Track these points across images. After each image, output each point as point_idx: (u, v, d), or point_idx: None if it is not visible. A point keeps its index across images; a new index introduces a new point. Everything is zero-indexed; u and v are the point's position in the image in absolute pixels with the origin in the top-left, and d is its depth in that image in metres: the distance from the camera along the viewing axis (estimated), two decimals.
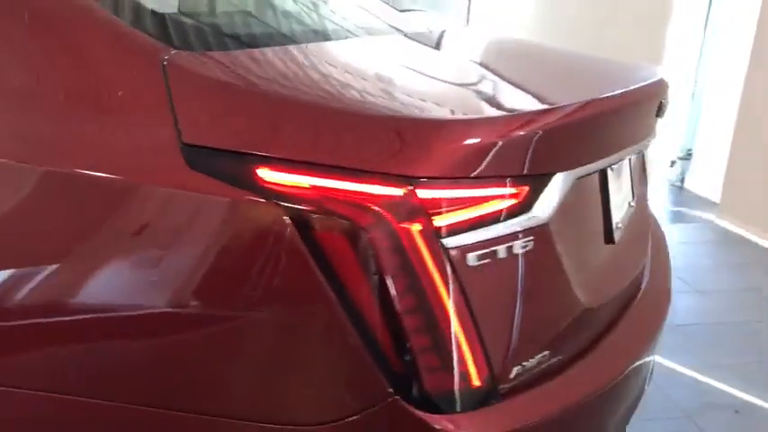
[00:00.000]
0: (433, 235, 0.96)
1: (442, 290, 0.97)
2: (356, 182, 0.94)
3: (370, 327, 0.95)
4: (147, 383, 0.99)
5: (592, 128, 1.20)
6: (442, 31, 1.85)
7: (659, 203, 4.90)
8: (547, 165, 1.09)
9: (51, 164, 0.99)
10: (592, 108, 1.20)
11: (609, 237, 1.41)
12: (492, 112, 1.14)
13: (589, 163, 1.20)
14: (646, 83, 1.40)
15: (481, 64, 1.61)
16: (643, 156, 1.94)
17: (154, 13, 1.27)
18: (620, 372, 1.24)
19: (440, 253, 0.96)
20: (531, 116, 1.10)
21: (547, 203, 1.09)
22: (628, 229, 1.56)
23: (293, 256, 0.93)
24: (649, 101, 1.42)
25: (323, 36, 1.49)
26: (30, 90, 1.03)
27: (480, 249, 1.00)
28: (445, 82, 1.34)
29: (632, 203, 1.65)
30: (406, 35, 1.65)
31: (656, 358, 2.62)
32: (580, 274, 1.23)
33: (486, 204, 1.01)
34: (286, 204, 0.93)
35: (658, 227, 1.94)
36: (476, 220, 1.00)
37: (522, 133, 1.04)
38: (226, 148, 0.95)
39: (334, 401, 0.97)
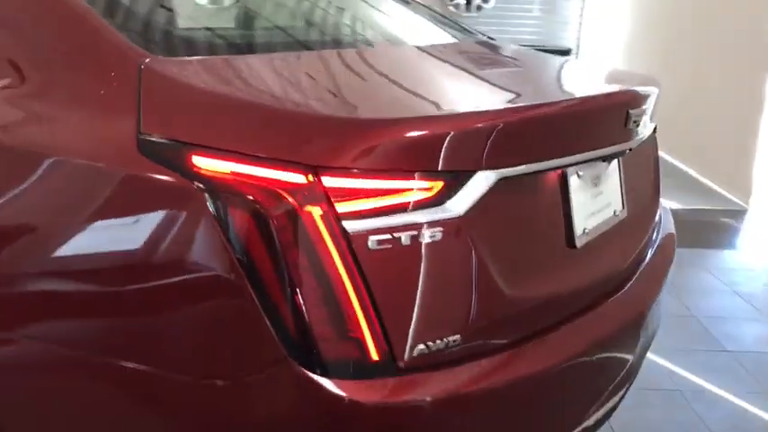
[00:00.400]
0: (334, 219, 1.08)
1: (340, 268, 1.08)
2: (269, 168, 1.08)
3: (273, 297, 1.08)
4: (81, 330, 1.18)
5: (522, 131, 1.27)
6: (447, 44, 1.96)
7: None
8: (465, 163, 1.18)
9: (38, 148, 1.21)
10: (520, 113, 1.28)
11: (570, 241, 1.46)
12: (417, 112, 1.25)
13: (520, 165, 1.27)
14: (600, 92, 1.44)
15: (455, 71, 1.71)
16: (655, 165, 1.94)
17: (156, 26, 1.49)
18: (545, 371, 1.28)
19: (339, 236, 1.08)
20: (448, 117, 1.20)
21: (463, 199, 1.17)
22: (606, 236, 1.58)
23: (210, 231, 1.08)
24: (605, 109, 1.46)
25: (309, 46, 1.67)
26: (28, 83, 1.27)
27: (382, 235, 1.10)
28: (399, 86, 1.45)
29: (619, 212, 1.67)
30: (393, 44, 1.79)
31: (701, 382, 2.56)
32: (515, 271, 1.29)
33: (392, 195, 1.11)
34: (211, 186, 1.09)
35: (670, 241, 1.93)
36: (381, 208, 1.11)
37: (434, 132, 1.15)
38: (170, 138, 1.13)
39: (235, 359, 1.11)
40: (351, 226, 1.09)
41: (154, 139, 1.13)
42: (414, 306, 1.14)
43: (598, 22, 7.43)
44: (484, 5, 7.33)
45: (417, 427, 1.16)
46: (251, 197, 1.07)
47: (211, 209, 1.08)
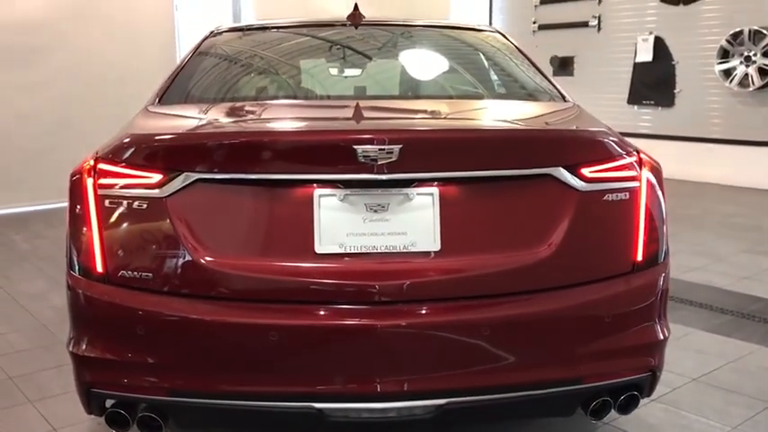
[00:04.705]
0: (96, 186, 1.92)
1: (91, 216, 1.91)
2: (91, 159, 1.97)
3: (69, 226, 1.96)
4: None
5: (216, 151, 1.90)
6: None
7: None
8: (174, 166, 1.84)
9: None
10: (219, 137, 1.81)
11: (312, 246, 1.83)
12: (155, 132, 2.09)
13: (218, 174, 1.85)
14: (322, 129, 1.75)
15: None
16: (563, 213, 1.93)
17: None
18: (219, 323, 1.82)
19: (96, 197, 1.91)
20: (173, 136, 1.93)
21: (170, 188, 1.84)
22: (382, 258, 1.84)
23: None
24: (319, 143, 1.82)
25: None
26: None
27: (115, 200, 1.89)
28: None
29: (421, 245, 1.85)
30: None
31: None
32: (220, 247, 1.83)
33: (131, 178, 1.90)
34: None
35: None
36: (122, 185, 1.90)
37: (156, 146, 1.95)
38: None
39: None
40: (101, 191, 1.88)
41: None
42: (124, 246, 1.86)
43: None
44: None
45: (112, 315, 1.90)
46: (77, 175, 1.99)
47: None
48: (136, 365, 1.87)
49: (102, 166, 1.92)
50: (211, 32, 2.97)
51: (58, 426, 2.60)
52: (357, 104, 2.29)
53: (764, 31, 7.11)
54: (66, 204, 1.96)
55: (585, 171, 1.95)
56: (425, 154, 1.86)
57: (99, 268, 1.90)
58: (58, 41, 6.52)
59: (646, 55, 8.19)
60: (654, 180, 2.05)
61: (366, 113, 2.22)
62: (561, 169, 1.92)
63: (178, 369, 1.86)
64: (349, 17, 2.86)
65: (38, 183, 6.35)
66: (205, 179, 1.86)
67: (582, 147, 1.99)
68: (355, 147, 1.79)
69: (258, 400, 1.85)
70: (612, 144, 2.01)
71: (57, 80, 6.53)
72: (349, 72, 3.02)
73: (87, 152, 2.05)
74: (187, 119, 2.33)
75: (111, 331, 1.91)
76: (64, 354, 3.19)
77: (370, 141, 1.80)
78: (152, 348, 1.87)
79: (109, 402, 1.97)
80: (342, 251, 1.85)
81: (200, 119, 2.30)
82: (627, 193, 1.98)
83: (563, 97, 2.56)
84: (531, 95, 2.68)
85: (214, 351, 1.85)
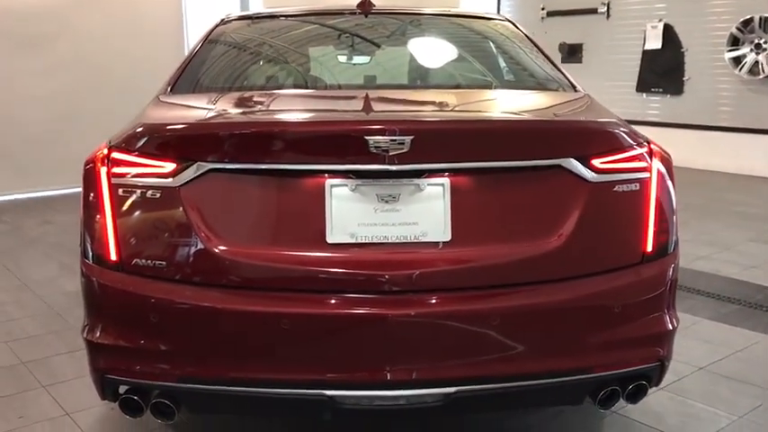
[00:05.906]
0: (109, 175, 1.94)
1: (105, 205, 1.93)
2: (104, 146, 1.98)
3: (83, 213, 1.98)
4: None
5: (227, 141, 1.92)
6: None
7: None
8: (186, 156, 1.86)
9: None
10: (228, 127, 1.81)
11: (323, 235, 1.85)
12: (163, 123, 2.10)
13: (230, 163, 1.88)
14: (331, 119, 1.76)
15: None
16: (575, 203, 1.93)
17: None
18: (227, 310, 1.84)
19: (109, 185, 1.93)
20: (187, 126, 1.95)
21: (182, 177, 1.86)
22: (394, 248, 1.85)
23: None
24: (330, 133, 1.84)
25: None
26: None
27: (128, 188, 1.91)
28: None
29: (431, 234, 1.86)
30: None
31: None
32: (234, 236, 1.85)
33: (143, 167, 1.92)
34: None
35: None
36: (134, 174, 1.91)
37: (172, 135, 1.96)
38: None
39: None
40: (114, 180, 1.89)
41: None
42: (137, 234, 1.87)
43: None
44: None
45: (125, 302, 1.92)
46: (90, 164, 1.98)
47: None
48: (149, 352, 1.90)
49: (115, 155, 1.94)
50: (221, 20, 2.97)
51: (70, 410, 2.64)
52: (367, 94, 2.30)
53: None
54: (75, 190, 1.99)
55: (596, 162, 1.95)
56: (436, 145, 1.87)
57: (113, 256, 1.92)
58: (66, 28, 6.53)
59: (655, 42, 8.14)
60: (664, 171, 2.05)
61: (377, 104, 2.23)
62: (572, 160, 1.93)
63: (191, 356, 1.89)
64: (359, 5, 2.86)
65: (45, 168, 6.39)
66: (218, 169, 1.87)
67: (593, 138, 2.00)
68: (367, 137, 1.80)
69: (270, 387, 1.87)
70: (623, 135, 2.01)
71: (64, 66, 6.54)
72: (359, 60, 3.02)
73: (95, 138, 2.05)
74: (199, 109, 2.34)
75: (124, 319, 1.93)
76: (75, 339, 3.25)
77: (381, 132, 1.81)
78: (165, 335, 1.89)
79: (123, 388, 1.99)
80: (353, 241, 1.86)
81: (212, 109, 2.32)
82: (637, 184, 1.99)
83: (573, 87, 2.56)
84: (541, 85, 2.68)
85: (227, 339, 1.87)
